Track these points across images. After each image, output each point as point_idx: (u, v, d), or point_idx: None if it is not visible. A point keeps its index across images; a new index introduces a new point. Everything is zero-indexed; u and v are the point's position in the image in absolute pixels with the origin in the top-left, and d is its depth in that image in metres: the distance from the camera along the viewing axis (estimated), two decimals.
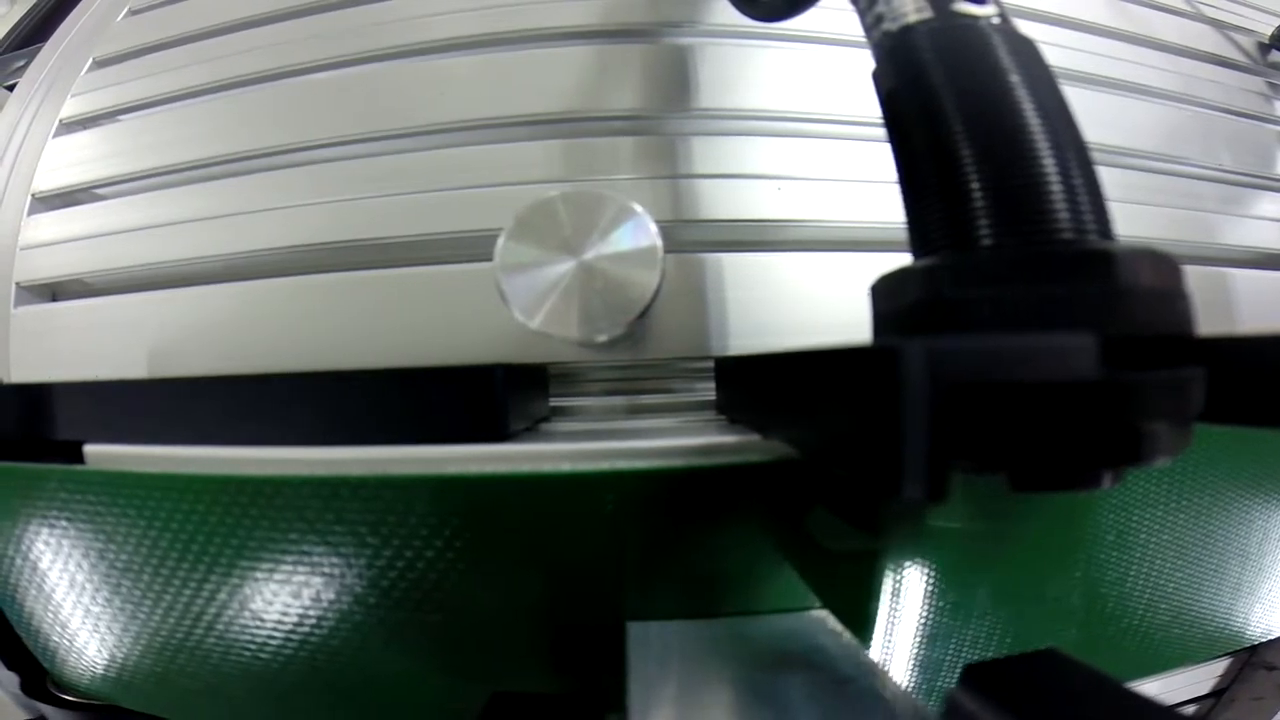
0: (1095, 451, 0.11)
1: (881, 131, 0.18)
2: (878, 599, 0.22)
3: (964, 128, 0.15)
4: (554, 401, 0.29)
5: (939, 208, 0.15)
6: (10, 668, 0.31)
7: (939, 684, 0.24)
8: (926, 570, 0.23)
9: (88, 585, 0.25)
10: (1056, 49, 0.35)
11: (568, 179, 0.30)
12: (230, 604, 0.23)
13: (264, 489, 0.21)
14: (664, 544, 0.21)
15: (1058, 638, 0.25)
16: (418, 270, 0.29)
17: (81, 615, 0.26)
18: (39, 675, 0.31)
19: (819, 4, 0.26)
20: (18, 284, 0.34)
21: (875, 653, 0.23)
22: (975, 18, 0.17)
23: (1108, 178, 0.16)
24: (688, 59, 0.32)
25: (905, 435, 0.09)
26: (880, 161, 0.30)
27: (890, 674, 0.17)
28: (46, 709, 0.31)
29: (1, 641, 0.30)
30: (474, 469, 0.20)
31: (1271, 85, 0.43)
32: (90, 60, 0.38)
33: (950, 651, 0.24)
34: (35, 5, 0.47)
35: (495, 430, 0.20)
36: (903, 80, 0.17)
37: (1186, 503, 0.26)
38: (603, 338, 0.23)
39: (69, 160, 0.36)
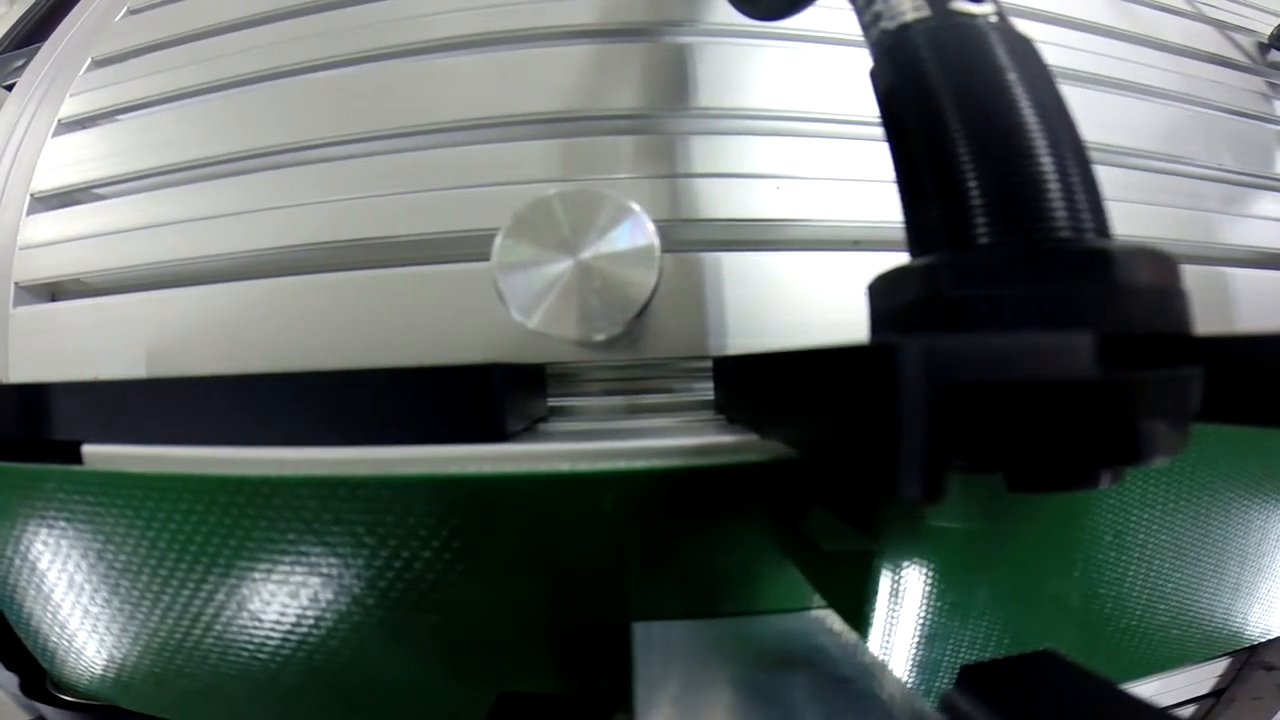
0: (1092, 451, 0.11)
1: (880, 131, 0.18)
2: (875, 599, 0.22)
3: (961, 126, 0.15)
4: (552, 401, 0.29)
5: (936, 206, 0.15)
6: (10, 668, 0.31)
7: (937, 684, 0.24)
8: (925, 570, 0.23)
9: (86, 586, 0.25)
10: (1056, 48, 0.35)
11: (567, 178, 0.30)
12: (229, 605, 0.23)
13: (261, 489, 0.21)
14: (662, 544, 0.21)
15: (1057, 638, 0.25)
16: (417, 270, 0.29)
17: (80, 616, 0.26)
18: (38, 676, 0.31)
19: (817, 3, 0.26)
20: (17, 284, 0.34)
21: (874, 653, 0.23)
22: (973, 16, 0.17)
23: (1107, 177, 0.16)
24: (686, 58, 0.32)
25: (901, 434, 0.09)
26: (879, 161, 0.30)
27: (892, 673, 0.17)
28: (46, 709, 0.31)
29: (1, 642, 0.30)
30: (471, 469, 0.20)
31: (1271, 85, 0.43)
32: (89, 60, 0.38)
33: (949, 652, 0.24)
34: (34, 5, 0.47)
35: (493, 430, 0.20)
36: (900, 79, 0.17)
37: (1185, 502, 0.26)
38: (601, 337, 0.23)
39: (68, 160, 0.36)
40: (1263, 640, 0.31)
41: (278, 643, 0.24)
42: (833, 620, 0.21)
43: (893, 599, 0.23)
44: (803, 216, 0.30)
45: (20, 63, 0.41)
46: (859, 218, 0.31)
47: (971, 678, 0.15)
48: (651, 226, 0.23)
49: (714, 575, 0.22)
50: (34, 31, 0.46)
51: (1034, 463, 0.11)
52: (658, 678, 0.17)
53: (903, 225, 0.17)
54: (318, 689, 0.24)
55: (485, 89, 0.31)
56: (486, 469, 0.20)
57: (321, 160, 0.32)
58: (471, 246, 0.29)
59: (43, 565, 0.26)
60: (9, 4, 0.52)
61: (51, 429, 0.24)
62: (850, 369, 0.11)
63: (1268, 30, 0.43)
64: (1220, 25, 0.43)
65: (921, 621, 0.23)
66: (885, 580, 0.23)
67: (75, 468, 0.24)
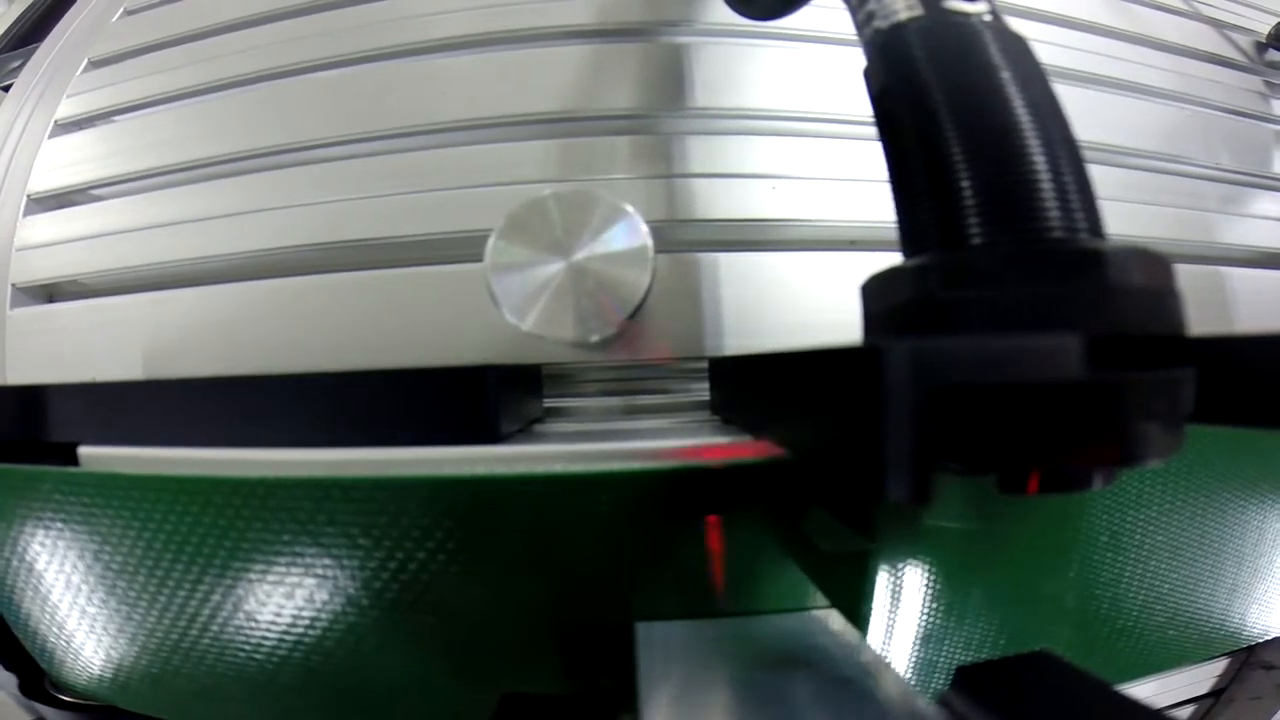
0: (1083, 453, 0.11)
1: (875, 130, 0.18)
2: (872, 599, 0.22)
3: (954, 126, 0.15)
4: (549, 402, 0.29)
5: (929, 206, 0.15)
6: (9, 669, 0.31)
7: (933, 685, 0.24)
8: (920, 571, 0.23)
9: (84, 587, 0.25)
10: (1053, 48, 0.35)
11: (563, 178, 0.30)
12: (225, 605, 0.23)
13: (256, 491, 0.21)
14: (657, 545, 0.21)
15: (1054, 638, 0.25)
16: (415, 270, 0.29)
17: (78, 617, 0.26)
18: (37, 676, 0.31)
19: (812, 3, 0.26)
20: (14, 285, 0.34)
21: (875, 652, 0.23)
22: (966, 15, 0.17)
23: (1105, 177, 0.16)
24: (683, 58, 0.31)
25: (888, 437, 0.09)
26: (875, 161, 0.30)
27: (894, 672, 0.17)
28: (44, 709, 0.31)
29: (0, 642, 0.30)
30: (465, 470, 0.20)
31: (1269, 84, 0.42)
32: (86, 60, 0.38)
33: (945, 652, 0.24)
34: (31, 5, 0.47)
35: (487, 431, 0.20)
36: (893, 78, 0.17)
37: (1181, 503, 0.26)
38: (595, 338, 0.23)
39: (65, 161, 0.36)
40: (1261, 640, 0.31)
41: (274, 643, 0.24)
42: (833, 620, 0.21)
43: (889, 599, 0.23)
44: (799, 216, 0.30)
45: (17, 63, 0.41)
46: (855, 218, 0.30)
47: (967, 678, 0.15)
48: (645, 227, 0.23)
49: (711, 575, 0.22)
50: (31, 32, 0.46)
51: (1024, 465, 0.11)
52: (661, 678, 0.17)
53: (896, 225, 0.17)
54: (316, 689, 0.24)
55: (482, 89, 0.31)
56: (480, 470, 0.20)
57: (318, 161, 0.32)
58: (469, 247, 0.29)
59: (40, 566, 0.26)
60: (6, 4, 0.52)
61: (48, 430, 0.24)
62: (839, 371, 0.11)
63: (1265, 29, 0.43)
64: (1218, 24, 0.43)
65: (918, 621, 0.23)
66: (881, 580, 0.23)
67: (71, 469, 0.24)
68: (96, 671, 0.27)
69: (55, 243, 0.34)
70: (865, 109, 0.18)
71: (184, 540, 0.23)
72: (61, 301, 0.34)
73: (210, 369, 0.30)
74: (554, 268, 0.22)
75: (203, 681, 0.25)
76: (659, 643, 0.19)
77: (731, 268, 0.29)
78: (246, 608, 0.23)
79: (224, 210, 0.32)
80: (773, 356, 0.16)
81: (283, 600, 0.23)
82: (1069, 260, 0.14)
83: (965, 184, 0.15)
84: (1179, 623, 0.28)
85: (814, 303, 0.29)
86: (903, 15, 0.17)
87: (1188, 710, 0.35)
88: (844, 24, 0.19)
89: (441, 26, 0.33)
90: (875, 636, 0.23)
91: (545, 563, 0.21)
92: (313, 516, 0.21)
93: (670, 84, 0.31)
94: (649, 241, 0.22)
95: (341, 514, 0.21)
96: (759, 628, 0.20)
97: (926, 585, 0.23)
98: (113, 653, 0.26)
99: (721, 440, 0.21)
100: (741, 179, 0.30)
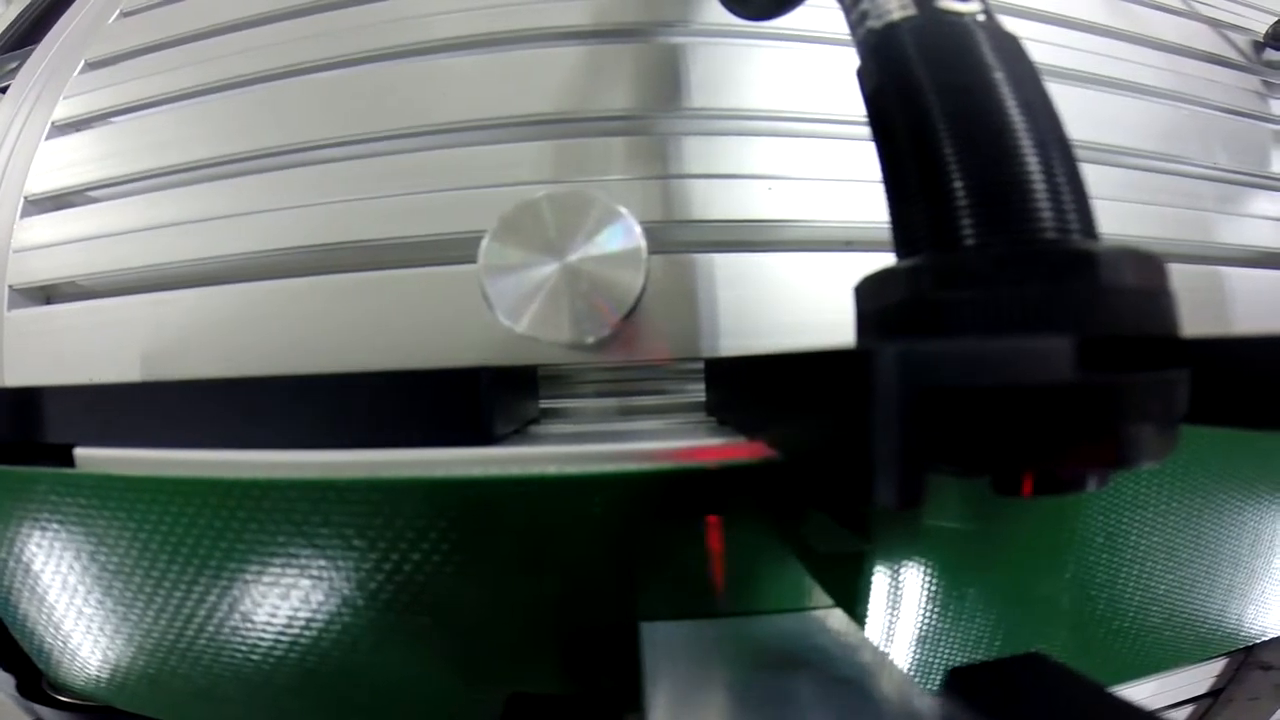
0: (1076, 455, 0.11)
1: (869, 130, 0.18)
2: (867, 600, 0.22)
3: (947, 126, 0.15)
4: (545, 403, 0.29)
5: (922, 207, 0.15)
6: (6, 669, 0.31)
7: (930, 685, 0.24)
8: (917, 571, 0.23)
9: (80, 587, 0.25)
10: (1050, 47, 0.35)
11: (559, 179, 0.30)
12: (221, 606, 0.23)
13: (251, 492, 0.21)
14: (652, 546, 0.21)
15: (1051, 639, 0.25)
16: (413, 272, 0.29)
17: (74, 617, 0.26)
18: (34, 676, 0.31)
19: (806, 2, 0.26)
20: (11, 287, 0.34)
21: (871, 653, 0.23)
22: (960, 14, 0.17)
23: (1102, 176, 0.16)
24: (679, 58, 0.31)
25: (877, 440, 0.09)
26: (871, 161, 0.30)
27: (895, 672, 0.17)
28: (42, 710, 0.31)
29: None
30: (459, 472, 0.20)
31: (1266, 83, 0.42)
32: (83, 62, 0.38)
33: (941, 653, 0.24)
34: (28, 6, 0.47)
35: (481, 433, 0.20)
36: (886, 78, 0.17)
37: (1177, 504, 0.26)
38: (590, 340, 0.23)
39: (62, 163, 0.36)
40: (1259, 640, 0.31)
41: (270, 644, 0.24)
42: (833, 620, 0.21)
43: (886, 599, 0.23)
44: (795, 217, 0.30)
45: (14, 65, 0.41)
46: (851, 218, 0.30)
47: (958, 680, 0.15)
48: (638, 229, 0.23)
49: (707, 576, 0.22)
50: (28, 34, 0.46)
51: (1017, 467, 0.11)
52: (666, 678, 0.17)
53: (890, 226, 0.17)
54: (312, 690, 0.24)
55: (479, 90, 0.31)
56: (474, 472, 0.20)
57: (315, 162, 0.32)
58: (467, 248, 0.29)
59: (37, 567, 0.26)
60: (4, 5, 0.52)
61: (43, 432, 0.24)
62: (830, 373, 0.11)
63: (1263, 29, 0.43)
64: (1215, 24, 0.43)
65: (914, 622, 0.23)
66: (878, 580, 0.23)
67: (67, 470, 0.24)
68: (93, 672, 0.27)
69: (53, 244, 0.34)
70: (860, 109, 0.18)
71: (180, 541, 0.23)
72: (60, 303, 0.34)
73: (209, 370, 0.30)
74: (548, 269, 0.22)
75: (200, 682, 0.25)
76: (662, 642, 0.19)
77: (727, 268, 0.29)
78: (242, 609, 0.23)
79: (221, 211, 0.32)
80: (767, 358, 0.16)
81: (278, 601, 0.23)
82: (1061, 261, 0.14)
83: (958, 184, 0.15)
84: (1176, 623, 0.28)
85: (810, 303, 0.29)
86: (896, 15, 0.17)
87: (1186, 710, 0.35)
88: (838, 24, 0.19)
89: (439, 27, 0.33)
90: (872, 636, 0.23)
91: (540, 564, 0.21)
92: (307, 518, 0.21)
93: (666, 84, 0.31)
94: (643, 243, 0.22)
95: (336, 515, 0.21)
96: (760, 628, 0.20)
97: (923, 586, 0.23)
98: (109, 653, 0.26)
99: (717, 441, 0.21)
100: (737, 179, 0.30)
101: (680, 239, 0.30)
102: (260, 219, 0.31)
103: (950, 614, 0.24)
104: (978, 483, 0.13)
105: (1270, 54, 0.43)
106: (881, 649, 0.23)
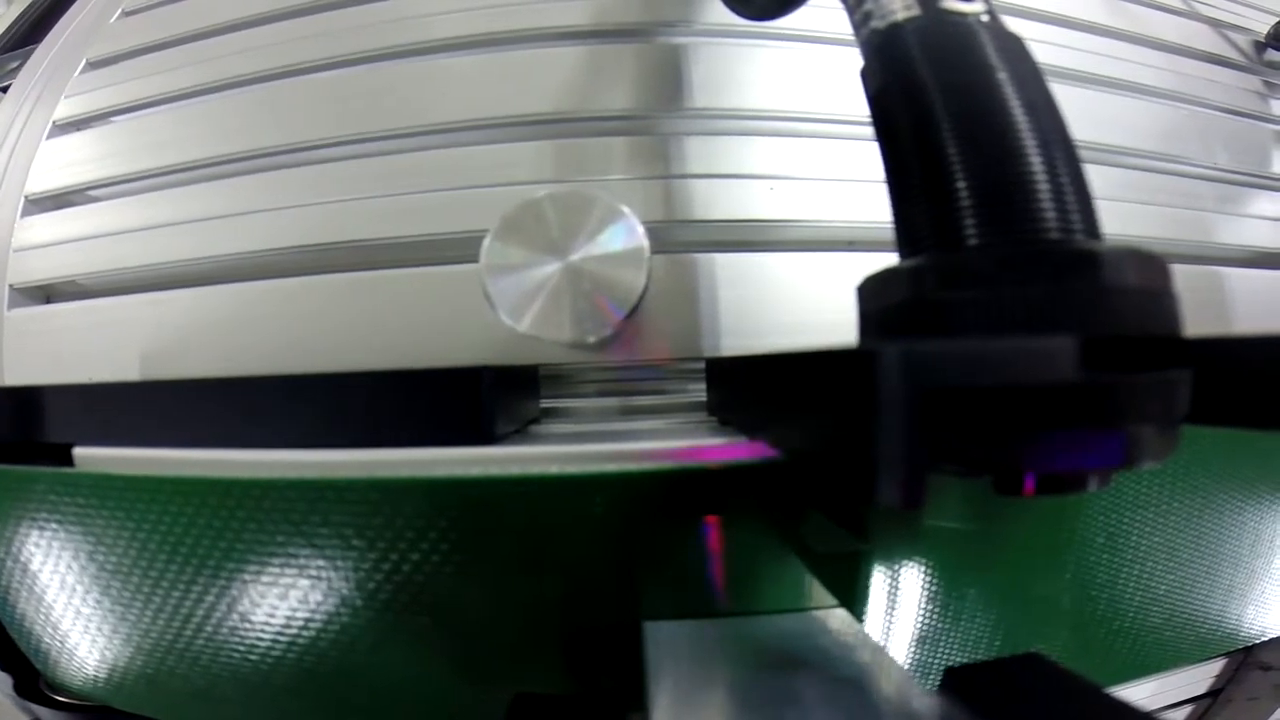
0: (1077, 455, 0.11)
1: (873, 130, 0.18)
2: (867, 599, 0.22)
3: (951, 126, 0.15)
4: (546, 403, 0.28)
5: (925, 207, 0.15)
6: (3, 669, 0.31)
7: (929, 685, 0.24)
8: (917, 571, 0.23)
9: (78, 587, 0.25)
10: (1051, 47, 0.35)
11: (561, 179, 0.30)
12: (220, 606, 0.23)
13: (251, 491, 0.21)
14: (653, 545, 0.21)
15: (1051, 639, 0.25)
16: (414, 271, 0.29)
17: (73, 617, 0.26)
18: (32, 676, 0.31)
19: (809, 2, 0.26)
20: (11, 286, 0.34)
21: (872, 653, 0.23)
22: (963, 15, 0.17)
23: (1103, 177, 0.16)
24: (680, 58, 0.31)
25: (880, 440, 0.09)
26: (873, 161, 0.30)
27: (896, 671, 0.17)
28: (40, 710, 0.31)
29: None
30: (459, 472, 0.20)
31: (1267, 84, 0.42)
32: (84, 61, 0.38)
33: (940, 653, 0.24)
34: (29, 6, 0.47)
35: (482, 433, 0.20)
36: (890, 78, 0.17)
37: (1178, 504, 0.26)
38: (592, 339, 0.23)
39: (63, 162, 0.36)
40: (1259, 641, 0.31)
41: (268, 644, 0.24)
42: (833, 620, 0.21)
43: (886, 599, 0.23)
44: (797, 217, 0.30)
45: (15, 64, 0.41)
46: (853, 218, 0.30)
47: (956, 680, 0.15)
48: (640, 228, 0.22)
49: (707, 575, 0.22)
50: (29, 33, 0.46)
51: (1018, 467, 0.11)
52: (669, 677, 0.17)
53: (893, 226, 0.17)
54: (311, 690, 0.24)
55: (479, 90, 0.31)
56: (474, 472, 0.20)
57: (315, 162, 0.32)
58: (468, 248, 0.29)
59: (35, 566, 0.26)
60: (5, 4, 0.52)
61: (42, 431, 0.24)
62: (832, 373, 0.11)
63: (1264, 29, 0.43)
64: (1216, 24, 0.43)
65: (914, 622, 0.23)
66: (878, 580, 0.22)
67: (66, 470, 0.24)
68: (91, 672, 0.27)
69: (53, 243, 0.34)
70: (863, 109, 0.18)
71: (178, 541, 0.23)
72: (59, 302, 0.34)
73: (208, 370, 0.30)
74: (550, 269, 0.22)
75: (198, 682, 0.25)
76: (666, 642, 0.19)
77: (729, 268, 0.29)
78: (241, 609, 0.23)
79: (222, 211, 0.32)
80: (768, 358, 0.16)
81: (276, 601, 0.23)
82: (1064, 261, 0.14)
83: (961, 184, 0.15)
84: (1176, 623, 0.28)
85: (812, 303, 0.29)
86: (900, 15, 0.17)
87: (1185, 710, 0.35)
88: (841, 24, 0.19)
89: (439, 27, 0.33)
90: (873, 636, 0.23)
91: (541, 564, 0.21)
92: (307, 517, 0.21)
93: (667, 84, 0.31)
94: (645, 242, 0.22)
95: (336, 515, 0.21)
96: (762, 627, 0.20)
97: (923, 586, 0.23)
98: (107, 653, 0.26)
99: (718, 441, 0.21)
100: (739, 179, 0.30)
101: (682, 239, 0.30)
102: (260, 218, 0.31)
103: (950, 614, 0.24)
104: (978, 483, 0.13)
105: (1271, 54, 0.43)
106: (882, 649, 0.23)
